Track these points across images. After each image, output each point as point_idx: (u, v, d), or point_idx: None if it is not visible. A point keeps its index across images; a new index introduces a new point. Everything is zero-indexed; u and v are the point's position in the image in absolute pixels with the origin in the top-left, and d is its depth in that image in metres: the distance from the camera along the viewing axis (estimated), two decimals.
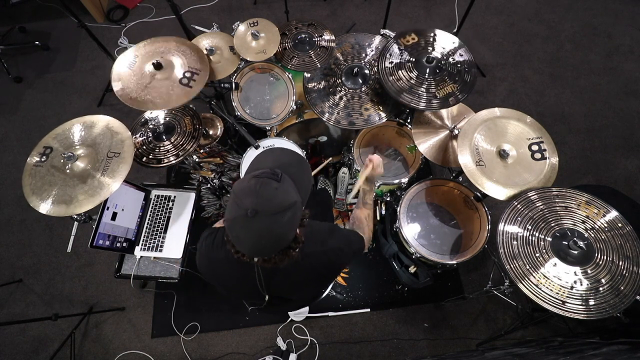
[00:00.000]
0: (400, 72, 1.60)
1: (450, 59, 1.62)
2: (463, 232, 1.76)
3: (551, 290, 1.16)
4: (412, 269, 1.85)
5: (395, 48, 1.66)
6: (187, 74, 1.56)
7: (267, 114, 1.85)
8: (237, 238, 0.80)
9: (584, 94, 2.71)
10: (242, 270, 0.95)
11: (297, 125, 1.92)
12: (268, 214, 0.74)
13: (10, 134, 2.69)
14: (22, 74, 2.92)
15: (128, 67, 1.57)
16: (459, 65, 1.60)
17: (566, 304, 1.14)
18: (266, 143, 1.81)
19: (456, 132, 1.64)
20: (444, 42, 1.66)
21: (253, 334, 2.04)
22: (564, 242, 1.21)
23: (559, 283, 1.16)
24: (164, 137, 1.73)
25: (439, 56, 1.61)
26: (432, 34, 1.68)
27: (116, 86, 1.52)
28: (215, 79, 1.79)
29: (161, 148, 1.71)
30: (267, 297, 1.00)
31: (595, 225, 1.25)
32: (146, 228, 1.78)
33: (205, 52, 1.70)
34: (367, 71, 1.79)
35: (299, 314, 2.04)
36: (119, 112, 2.67)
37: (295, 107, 1.82)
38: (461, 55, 1.63)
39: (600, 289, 1.15)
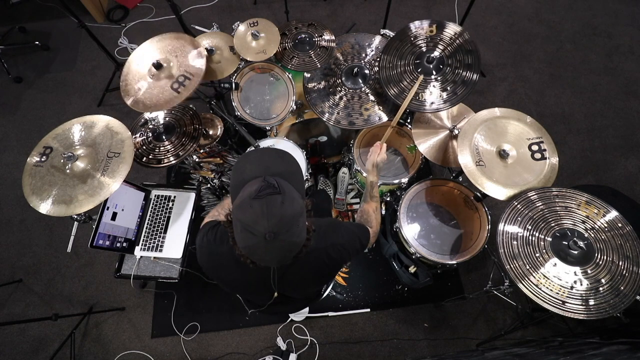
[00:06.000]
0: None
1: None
2: (463, 232, 1.76)
3: (551, 290, 1.16)
4: (412, 269, 1.85)
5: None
6: (180, 78, 1.51)
7: (267, 114, 1.85)
8: (262, 259, 0.80)
9: (584, 94, 2.71)
10: (248, 268, 0.95)
11: (297, 125, 1.92)
12: (286, 231, 0.75)
13: (10, 134, 2.69)
14: (22, 74, 2.92)
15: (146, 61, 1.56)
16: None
17: (566, 304, 1.14)
18: (266, 143, 1.82)
19: (456, 132, 1.64)
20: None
21: (253, 334, 2.04)
22: (564, 242, 1.21)
23: (559, 283, 1.16)
24: (163, 137, 1.73)
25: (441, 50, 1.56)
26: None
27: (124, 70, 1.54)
28: (215, 79, 1.79)
29: (161, 148, 1.71)
30: (275, 294, 1.00)
31: (595, 225, 1.25)
32: (146, 228, 1.78)
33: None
34: (367, 71, 1.79)
35: (299, 314, 2.04)
36: (119, 112, 2.67)
37: (295, 107, 1.82)
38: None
39: (600, 289, 1.15)
